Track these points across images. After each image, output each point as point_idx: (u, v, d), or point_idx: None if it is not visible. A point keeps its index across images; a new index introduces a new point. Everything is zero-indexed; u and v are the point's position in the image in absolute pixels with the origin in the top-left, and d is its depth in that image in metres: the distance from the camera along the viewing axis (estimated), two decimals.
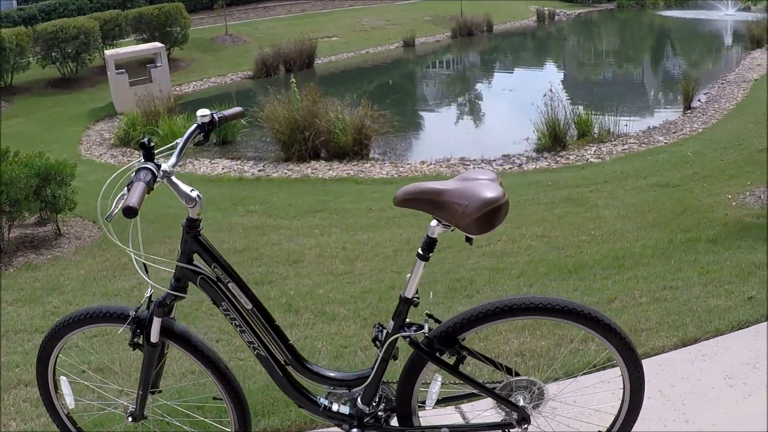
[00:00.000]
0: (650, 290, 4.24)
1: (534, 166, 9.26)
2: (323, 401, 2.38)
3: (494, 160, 9.61)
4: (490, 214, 2.05)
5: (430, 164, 9.76)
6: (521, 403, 2.32)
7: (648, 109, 12.84)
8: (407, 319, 2.27)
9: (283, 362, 2.36)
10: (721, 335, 3.34)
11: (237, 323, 2.28)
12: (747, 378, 2.96)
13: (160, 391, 2.53)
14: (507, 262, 5.62)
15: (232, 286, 2.24)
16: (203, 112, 2.28)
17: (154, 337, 2.27)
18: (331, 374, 2.40)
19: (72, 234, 7.48)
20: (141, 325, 2.31)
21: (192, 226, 2.21)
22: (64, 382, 2.50)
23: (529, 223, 6.86)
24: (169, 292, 2.26)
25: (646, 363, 3.19)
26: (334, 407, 2.37)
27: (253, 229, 7.55)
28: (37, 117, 14.61)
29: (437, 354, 2.24)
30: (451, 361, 2.27)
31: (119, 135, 11.80)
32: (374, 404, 2.34)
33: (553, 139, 9.77)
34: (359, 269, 5.87)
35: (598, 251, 5.55)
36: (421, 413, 2.41)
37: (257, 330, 2.30)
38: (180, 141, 2.23)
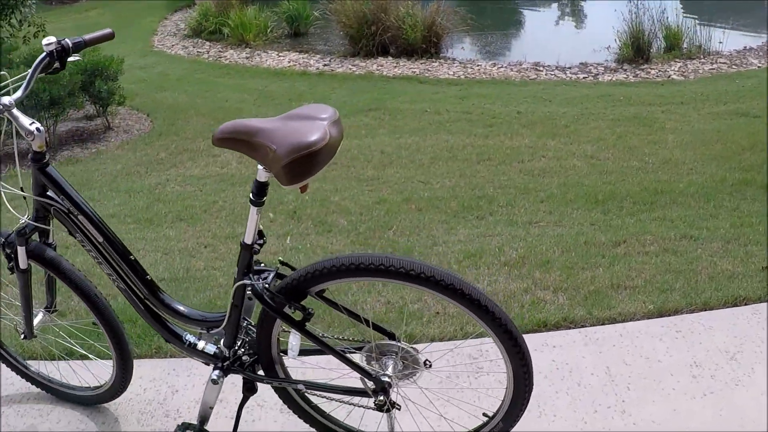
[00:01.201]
0: (666, 237, 3.67)
1: (610, 78, 8.42)
2: (188, 338, 2.21)
3: (569, 68, 8.79)
4: (298, 163, 1.71)
5: (501, 67, 9.04)
6: (384, 371, 2.01)
7: (753, 27, 11.42)
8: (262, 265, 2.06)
9: (142, 297, 2.19)
10: (709, 310, 2.78)
11: (93, 255, 2.15)
12: (717, 370, 2.45)
13: (56, 311, 2.49)
14: (540, 183, 5.11)
15: (81, 218, 2.10)
16: (48, 41, 2.05)
17: (22, 263, 2.25)
18: (188, 313, 2.19)
19: (122, 127, 7.39)
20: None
21: (36, 158, 2.09)
22: None
23: (584, 141, 6.26)
24: (29, 222, 2.19)
25: (606, 329, 2.74)
26: (200, 345, 2.19)
27: None
28: (115, 8, 14.51)
29: (283, 307, 1.98)
30: (298, 316, 1.98)
31: (192, 26, 11.51)
32: (236, 349, 2.13)
33: (636, 51, 8.79)
34: (387, 176, 5.52)
35: (640, 182, 4.94)
36: (288, 363, 2.18)
37: (113, 263, 2.13)
38: (29, 72, 2.02)
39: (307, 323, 1.99)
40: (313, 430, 2.31)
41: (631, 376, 2.46)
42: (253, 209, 1.92)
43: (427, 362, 2.05)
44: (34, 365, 2.65)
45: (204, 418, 2.23)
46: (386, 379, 2.00)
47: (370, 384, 2.02)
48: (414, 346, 2.04)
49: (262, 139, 1.77)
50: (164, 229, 4.50)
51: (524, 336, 2.68)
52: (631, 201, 4.50)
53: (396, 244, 4.00)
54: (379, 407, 2.06)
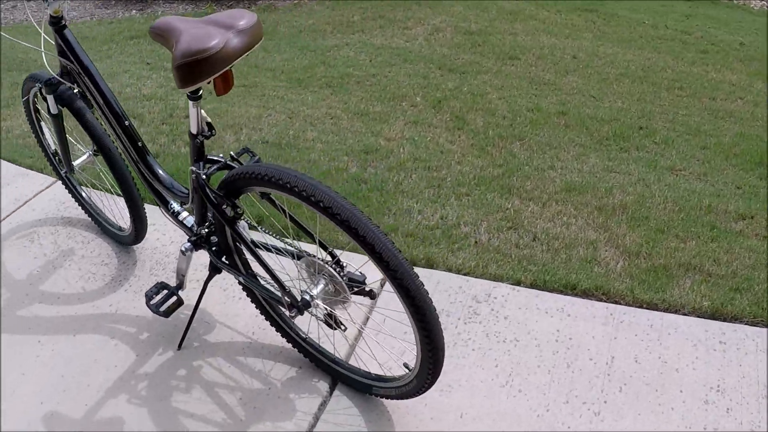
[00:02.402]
0: None
1: None
2: (174, 205, 2.19)
3: None
4: (185, 68, 1.60)
5: None
6: (311, 289, 1.82)
7: None
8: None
9: (134, 159, 2.15)
10: (737, 322, 2.17)
11: (98, 115, 2.20)
12: (739, 404, 1.94)
13: (98, 154, 2.50)
14: (716, 126, 4.34)
15: (86, 79, 2.12)
16: None
17: (52, 109, 2.33)
18: (164, 180, 2.13)
19: None
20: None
21: (53, 22, 2.10)
22: (44, 127, 2.64)
23: None
24: (53, 76, 2.24)
25: (638, 314, 2.27)
26: (181, 215, 2.18)
27: (507, 14, 6.69)
28: None
29: (220, 200, 1.86)
30: (231, 213, 1.87)
31: None
32: (203, 228, 2.06)
33: None
34: (562, 83, 4.97)
35: None
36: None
37: (111, 125, 2.14)
38: None
39: (237, 221, 1.87)
40: None
41: (633, 377, 1.99)
42: (191, 103, 1.80)
43: (373, 293, 1.79)
44: (86, 193, 2.71)
45: (180, 283, 2.18)
46: (305, 297, 1.79)
47: (286, 298, 1.83)
48: (357, 273, 1.78)
49: (172, 39, 1.68)
50: (307, 93, 4.39)
51: (546, 293, 2.31)
52: None
53: (513, 158, 3.57)
54: (327, 324, 1.87)
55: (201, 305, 2.32)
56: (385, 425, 1.90)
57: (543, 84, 4.93)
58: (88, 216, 2.69)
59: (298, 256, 1.86)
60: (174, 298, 2.12)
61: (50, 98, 2.27)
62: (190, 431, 1.91)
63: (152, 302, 2.11)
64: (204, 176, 1.83)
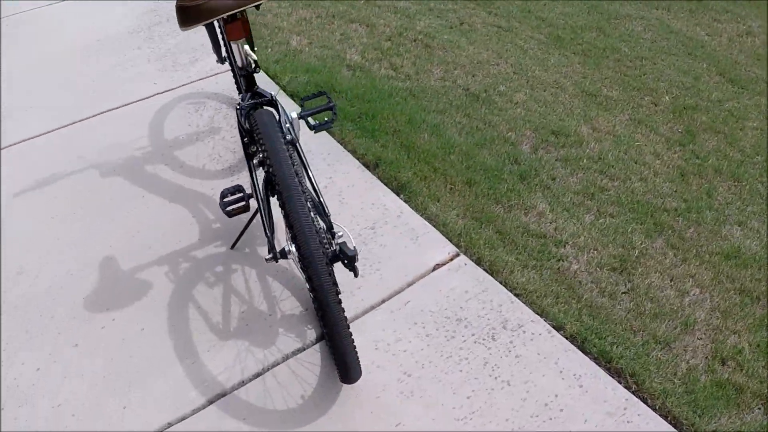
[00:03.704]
0: None
1: None
2: None
3: None
4: (179, 10, 1.71)
5: None
6: (290, 245, 1.85)
7: None
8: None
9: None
10: None
11: None
12: None
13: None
14: None
15: None
16: None
17: None
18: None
19: None
20: None
21: None
22: None
23: None
24: None
25: (637, 407, 1.86)
26: None
27: None
28: None
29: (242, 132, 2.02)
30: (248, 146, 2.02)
31: None
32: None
33: None
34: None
35: None
36: None
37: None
38: None
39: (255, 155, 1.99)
40: None
41: None
42: (230, 42, 1.87)
43: (356, 271, 1.77)
44: None
45: (252, 192, 2.29)
46: (284, 248, 1.83)
47: (269, 241, 1.91)
48: (350, 248, 1.75)
49: None
50: (555, 54, 4.08)
51: (577, 353, 2.06)
52: None
53: (707, 196, 3.05)
54: None
55: (276, 218, 2.43)
56: (329, 397, 1.90)
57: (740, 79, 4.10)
58: None
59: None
60: (242, 204, 2.24)
61: None
62: (186, 320, 2.07)
63: (224, 200, 2.25)
64: (238, 106, 1.91)
